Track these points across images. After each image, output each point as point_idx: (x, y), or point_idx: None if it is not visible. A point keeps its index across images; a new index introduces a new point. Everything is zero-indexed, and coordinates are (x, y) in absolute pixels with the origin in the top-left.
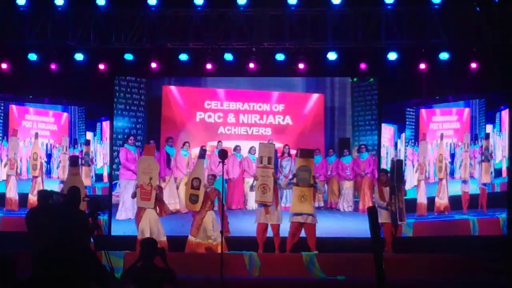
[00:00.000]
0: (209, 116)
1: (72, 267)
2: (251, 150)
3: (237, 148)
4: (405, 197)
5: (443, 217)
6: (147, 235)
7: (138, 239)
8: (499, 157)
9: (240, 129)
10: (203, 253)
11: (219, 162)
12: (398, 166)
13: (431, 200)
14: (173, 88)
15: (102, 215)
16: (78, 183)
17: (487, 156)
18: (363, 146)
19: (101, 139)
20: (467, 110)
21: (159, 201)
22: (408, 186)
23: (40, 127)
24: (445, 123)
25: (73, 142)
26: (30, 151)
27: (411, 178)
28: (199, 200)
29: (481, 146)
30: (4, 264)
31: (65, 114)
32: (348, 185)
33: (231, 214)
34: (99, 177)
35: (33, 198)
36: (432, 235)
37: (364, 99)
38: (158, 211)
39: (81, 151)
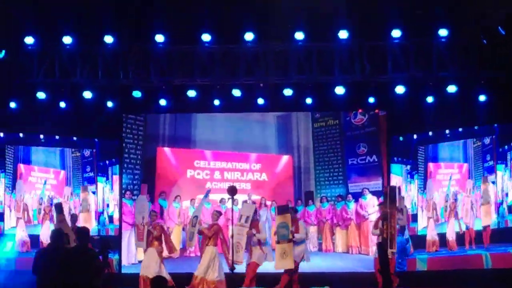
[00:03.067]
0: (198, 173)
1: None
2: (222, 201)
3: (222, 200)
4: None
5: (456, 252)
6: (149, 272)
7: (140, 275)
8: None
9: (225, 184)
10: None
11: (229, 198)
12: (391, 192)
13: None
14: (166, 149)
15: (113, 254)
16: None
17: (486, 199)
18: (324, 197)
19: (112, 186)
20: (465, 165)
21: (166, 239)
22: (420, 227)
23: (42, 182)
24: (448, 175)
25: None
26: (37, 201)
27: (422, 221)
28: (194, 237)
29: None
30: None
31: (62, 172)
32: (312, 230)
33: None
34: (111, 219)
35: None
36: (446, 269)
37: (323, 159)
38: (167, 249)
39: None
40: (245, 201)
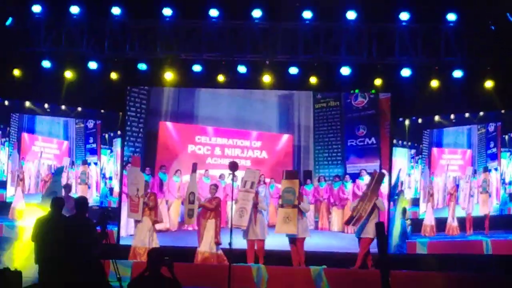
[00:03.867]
0: (199, 149)
1: (78, 276)
2: (221, 176)
3: (221, 176)
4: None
5: (457, 237)
6: (142, 242)
7: (133, 246)
8: None
9: (225, 160)
10: (210, 264)
11: (229, 173)
12: (378, 178)
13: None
14: (168, 123)
15: (112, 225)
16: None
17: (485, 188)
18: (321, 177)
19: (116, 159)
20: (469, 151)
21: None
22: (421, 211)
23: (46, 151)
24: (452, 160)
25: (71, 164)
26: (37, 170)
27: (423, 205)
28: (194, 214)
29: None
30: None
31: (65, 142)
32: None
33: None
34: (111, 192)
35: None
36: (445, 253)
37: (323, 140)
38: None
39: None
40: (248, 168)
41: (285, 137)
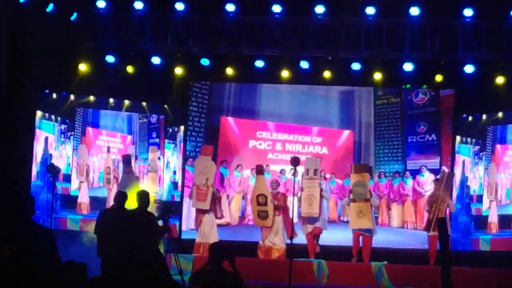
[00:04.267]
0: (260, 144)
1: (140, 270)
2: (282, 172)
3: (282, 171)
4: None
5: None
6: (206, 238)
7: (197, 242)
8: None
9: (286, 156)
10: (271, 259)
11: (291, 169)
12: (448, 178)
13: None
14: (230, 119)
15: (173, 219)
16: (131, 181)
17: None
18: (382, 173)
19: (180, 153)
20: None
21: (218, 201)
22: (484, 207)
23: (110, 146)
24: None
25: (135, 158)
26: (104, 164)
27: (487, 202)
28: (268, 215)
29: None
30: (78, 271)
31: (129, 137)
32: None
33: None
34: (175, 186)
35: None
36: (509, 250)
37: (383, 136)
38: (215, 213)
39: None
40: (307, 157)
41: (346, 133)
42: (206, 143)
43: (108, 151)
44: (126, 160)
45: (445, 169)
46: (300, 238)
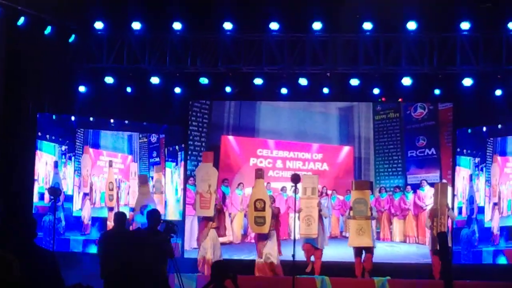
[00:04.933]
0: (261, 162)
1: None
2: (283, 189)
3: (283, 189)
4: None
5: None
6: (209, 255)
7: (199, 258)
8: None
9: (286, 173)
10: (273, 276)
11: (292, 186)
12: (441, 188)
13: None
14: (230, 137)
15: (176, 238)
16: (148, 201)
17: None
18: (382, 188)
19: (181, 172)
20: None
21: (220, 212)
22: (486, 219)
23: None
24: None
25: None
26: (105, 183)
27: (489, 213)
28: (266, 221)
29: None
30: None
31: (129, 156)
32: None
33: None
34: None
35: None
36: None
37: (383, 151)
38: (219, 225)
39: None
40: (305, 174)
41: (346, 149)
42: None
43: (110, 165)
44: (142, 180)
45: (438, 182)
46: (299, 255)
